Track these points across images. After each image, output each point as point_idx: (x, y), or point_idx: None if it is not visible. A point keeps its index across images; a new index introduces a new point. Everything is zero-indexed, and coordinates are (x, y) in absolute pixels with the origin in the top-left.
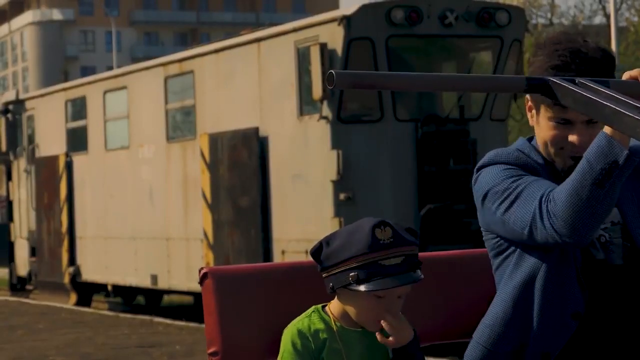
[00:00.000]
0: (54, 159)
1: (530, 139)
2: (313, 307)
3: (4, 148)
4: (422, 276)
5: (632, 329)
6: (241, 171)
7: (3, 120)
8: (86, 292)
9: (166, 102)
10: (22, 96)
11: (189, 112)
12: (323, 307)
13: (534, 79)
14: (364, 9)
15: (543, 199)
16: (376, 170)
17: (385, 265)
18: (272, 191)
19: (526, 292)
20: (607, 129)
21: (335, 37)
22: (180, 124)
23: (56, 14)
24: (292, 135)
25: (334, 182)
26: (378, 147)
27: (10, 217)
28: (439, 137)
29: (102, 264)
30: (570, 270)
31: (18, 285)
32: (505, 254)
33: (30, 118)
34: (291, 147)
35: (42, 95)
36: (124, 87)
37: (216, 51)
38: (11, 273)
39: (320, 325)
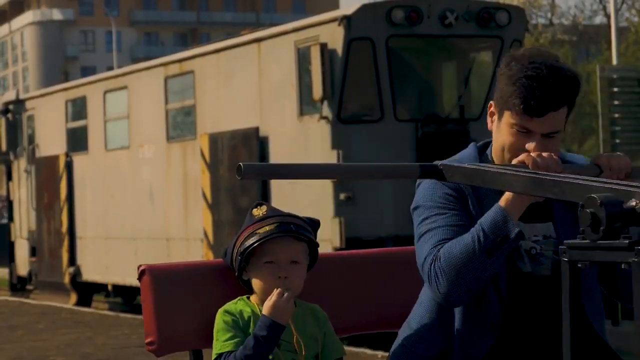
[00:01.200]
0: (54, 159)
1: (484, 145)
2: (239, 297)
3: (4, 148)
4: (305, 236)
5: (553, 339)
6: None
7: (3, 120)
8: (86, 292)
9: (166, 102)
10: (22, 96)
11: (189, 112)
12: (248, 297)
13: (425, 165)
14: (364, 9)
15: (433, 256)
16: None
17: (259, 233)
18: (272, 191)
19: None
20: (502, 202)
21: (335, 37)
22: (181, 124)
23: (56, 14)
24: (292, 135)
25: (334, 182)
26: (378, 147)
27: (10, 217)
28: (439, 137)
29: (103, 264)
30: (489, 282)
31: (18, 285)
32: None
33: (31, 118)
34: (291, 147)
35: (42, 95)
36: (124, 87)
37: (216, 51)
38: (11, 273)
39: (246, 308)
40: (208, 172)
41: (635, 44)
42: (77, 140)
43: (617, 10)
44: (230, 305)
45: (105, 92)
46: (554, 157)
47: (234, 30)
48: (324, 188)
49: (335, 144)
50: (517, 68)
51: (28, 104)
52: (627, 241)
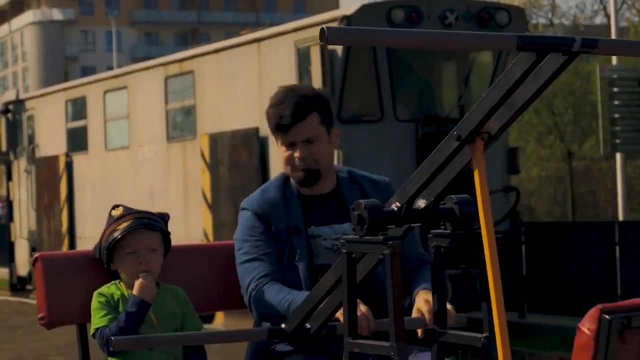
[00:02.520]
0: (54, 159)
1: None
2: (112, 281)
3: (4, 148)
4: (157, 226)
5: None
6: (241, 171)
7: (3, 120)
8: None
9: (166, 102)
10: (22, 96)
11: (189, 112)
12: (119, 282)
13: (525, 37)
14: (364, 9)
15: (250, 290)
16: (376, 170)
17: (119, 229)
18: None
19: None
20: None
21: None
22: (181, 124)
23: (56, 14)
24: None
25: None
26: (378, 147)
27: (10, 217)
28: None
29: None
30: (294, 274)
31: (18, 285)
32: None
33: (31, 118)
34: None
35: (42, 95)
36: (124, 87)
37: (216, 51)
38: (11, 273)
39: (117, 291)
40: (208, 172)
41: None
42: (77, 140)
43: (617, 10)
44: (103, 289)
45: (105, 92)
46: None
47: (234, 30)
48: None
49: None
50: (268, 104)
51: (28, 104)
52: (382, 237)
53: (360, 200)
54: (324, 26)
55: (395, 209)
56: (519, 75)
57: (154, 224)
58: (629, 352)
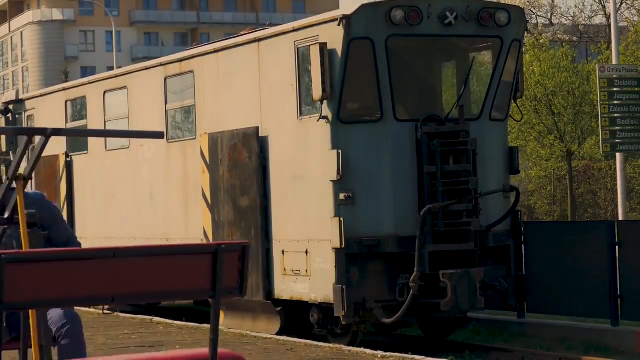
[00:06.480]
0: (54, 159)
1: None
2: None
3: (4, 148)
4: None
5: None
6: (241, 171)
7: (3, 120)
8: None
9: (166, 102)
10: (22, 96)
11: (189, 112)
12: None
13: None
14: (364, 9)
15: None
16: (376, 170)
17: None
18: (272, 191)
19: None
20: None
21: (335, 37)
22: (180, 124)
23: (56, 14)
24: (292, 135)
25: (334, 182)
26: (378, 147)
27: None
28: (439, 137)
29: None
30: None
31: None
32: None
33: (31, 118)
34: (291, 147)
35: (42, 95)
36: (124, 87)
37: (216, 51)
38: None
39: None
40: (208, 172)
41: (635, 44)
42: (77, 140)
43: (616, 10)
44: None
45: (105, 92)
46: None
47: (233, 30)
48: (324, 188)
49: (335, 144)
50: None
51: (28, 104)
52: None
53: None
54: None
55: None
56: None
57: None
58: None
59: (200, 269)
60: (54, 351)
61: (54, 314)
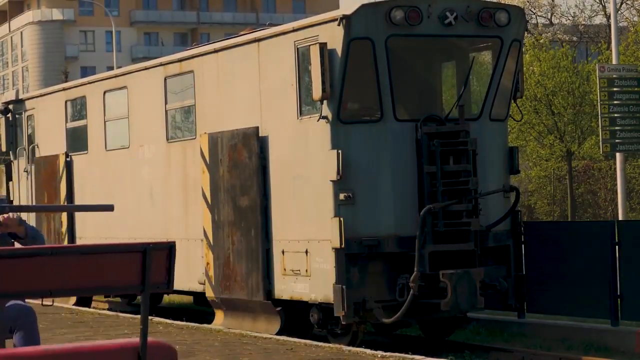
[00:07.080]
0: (54, 158)
1: None
2: None
3: (4, 148)
4: None
5: None
6: (241, 171)
7: (3, 120)
8: None
9: (166, 102)
10: (22, 96)
11: (188, 112)
12: None
13: None
14: (364, 9)
15: None
16: (376, 170)
17: None
18: (272, 191)
19: None
20: None
21: (335, 37)
22: (180, 124)
23: (56, 14)
24: (292, 135)
25: (333, 182)
26: (378, 147)
27: None
28: (439, 137)
29: None
30: None
31: None
32: None
33: (30, 118)
34: (291, 147)
35: (42, 95)
36: (124, 87)
37: (216, 51)
38: None
39: None
40: (208, 172)
41: (635, 44)
42: (77, 140)
43: (616, 10)
44: None
45: (105, 92)
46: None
47: (233, 30)
48: (324, 188)
49: (335, 144)
50: None
51: (28, 104)
52: None
53: None
54: None
55: None
56: None
57: None
58: None
59: (131, 266)
60: (9, 342)
61: (10, 309)
